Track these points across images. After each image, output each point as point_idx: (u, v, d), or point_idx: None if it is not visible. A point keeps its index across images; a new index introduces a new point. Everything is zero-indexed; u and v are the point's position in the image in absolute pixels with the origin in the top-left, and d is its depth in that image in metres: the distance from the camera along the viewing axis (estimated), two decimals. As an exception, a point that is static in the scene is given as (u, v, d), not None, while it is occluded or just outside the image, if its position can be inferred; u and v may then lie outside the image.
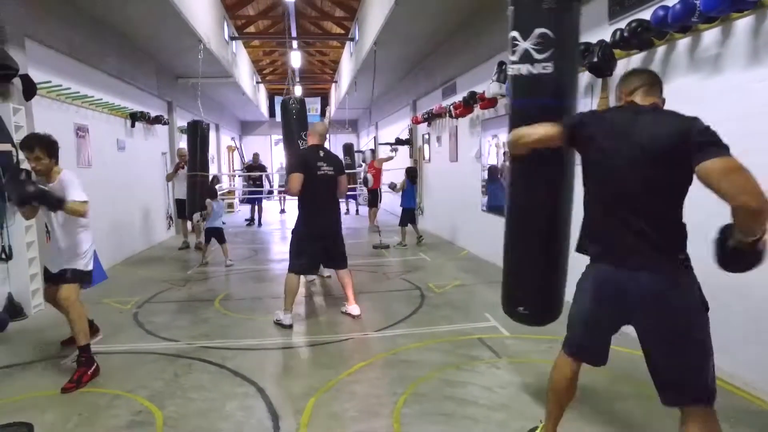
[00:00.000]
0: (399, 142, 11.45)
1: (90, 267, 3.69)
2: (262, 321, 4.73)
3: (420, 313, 4.87)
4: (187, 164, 8.18)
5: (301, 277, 5.70)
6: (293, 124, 6.62)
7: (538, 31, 2.39)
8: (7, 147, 4.62)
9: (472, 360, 3.68)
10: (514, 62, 2.50)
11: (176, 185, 8.90)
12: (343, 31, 13.19)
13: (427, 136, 10.63)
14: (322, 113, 21.32)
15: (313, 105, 21.59)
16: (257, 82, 17.37)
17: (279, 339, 4.26)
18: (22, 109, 4.96)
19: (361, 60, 10.79)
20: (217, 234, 7.36)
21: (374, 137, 17.00)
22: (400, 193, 8.94)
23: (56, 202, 3.30)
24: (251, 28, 13.45)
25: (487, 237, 7.31)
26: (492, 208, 7.25)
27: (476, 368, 3.53)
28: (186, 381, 3.40)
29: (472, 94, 7.04)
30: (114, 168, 7.58)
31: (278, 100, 21.35)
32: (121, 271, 7.02)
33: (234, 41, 11.54)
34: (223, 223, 7.59)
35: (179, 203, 8.80)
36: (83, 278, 3.61)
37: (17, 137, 4.85)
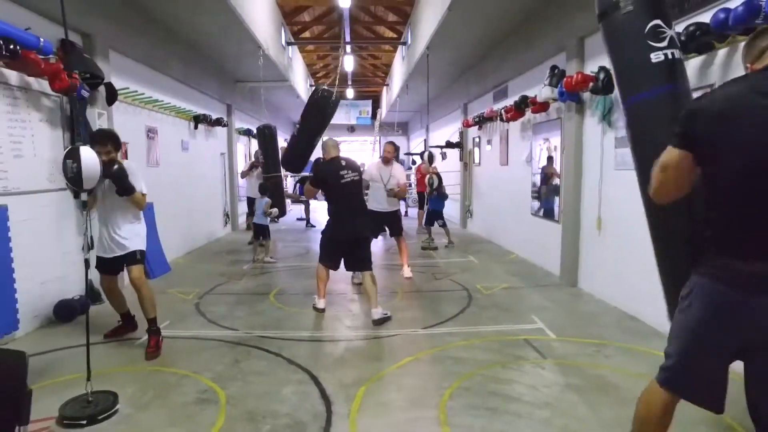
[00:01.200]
0: (450, 145, 11.52)
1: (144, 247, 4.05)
2: (314, 315, 4.96)
3: (467, 313, 4.97)
4: (261, 165, 8.82)
5: (352, 275, 5.95)
6: (311, 118, 6.08)
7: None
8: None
9: (517, 359, 3.75)
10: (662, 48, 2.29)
11: (249, 184, 9.45)
12: (395, 35, 13.40)
13: (477, 140, 10.65)
14: (373, 116, 21.62)
15: (365, 107, 21.97)
16: (311, 85, 17.87)
17: (331, 332, 4.47)
18: (105, 113, 5.43)
19: (413, 64, 10.95)
20: (262, 230, 7.73)
21: (424, 140, 17.11)
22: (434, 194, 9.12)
23: (129, 188, 3.71)
24: (306, 34, 13.90)
25: (535, 241, 7.29)
26: (542, 212, 7.23)
27: (521, 367, 3.60)
28: (246, 366, 3.66)
29: (524, 98, 7.04)
30: (178, 167, 8.09)
31: (330, 102, 21.91)
32: (182, 264, 7.48)
33: (290, 46, 11.98)
34: (275, 219, 7.96)
35: (250, 201, 9.34)
36: (144, 257, 4.03)
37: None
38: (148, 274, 6.36)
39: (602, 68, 4.72)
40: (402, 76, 13.06)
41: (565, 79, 5.41)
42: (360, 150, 23.65)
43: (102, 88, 5.33)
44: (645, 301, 4.49)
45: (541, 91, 6.23)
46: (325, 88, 6.29)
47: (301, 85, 14.98)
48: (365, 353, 3.98)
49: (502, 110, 7.98)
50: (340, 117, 21.85)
